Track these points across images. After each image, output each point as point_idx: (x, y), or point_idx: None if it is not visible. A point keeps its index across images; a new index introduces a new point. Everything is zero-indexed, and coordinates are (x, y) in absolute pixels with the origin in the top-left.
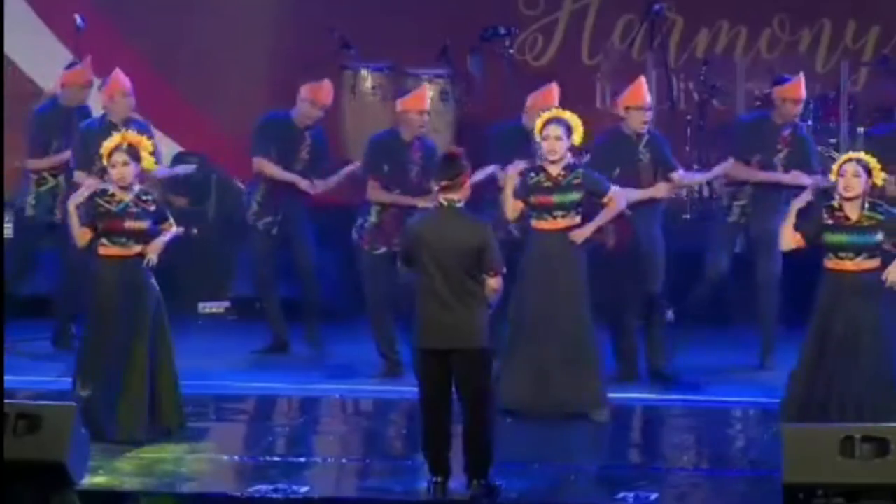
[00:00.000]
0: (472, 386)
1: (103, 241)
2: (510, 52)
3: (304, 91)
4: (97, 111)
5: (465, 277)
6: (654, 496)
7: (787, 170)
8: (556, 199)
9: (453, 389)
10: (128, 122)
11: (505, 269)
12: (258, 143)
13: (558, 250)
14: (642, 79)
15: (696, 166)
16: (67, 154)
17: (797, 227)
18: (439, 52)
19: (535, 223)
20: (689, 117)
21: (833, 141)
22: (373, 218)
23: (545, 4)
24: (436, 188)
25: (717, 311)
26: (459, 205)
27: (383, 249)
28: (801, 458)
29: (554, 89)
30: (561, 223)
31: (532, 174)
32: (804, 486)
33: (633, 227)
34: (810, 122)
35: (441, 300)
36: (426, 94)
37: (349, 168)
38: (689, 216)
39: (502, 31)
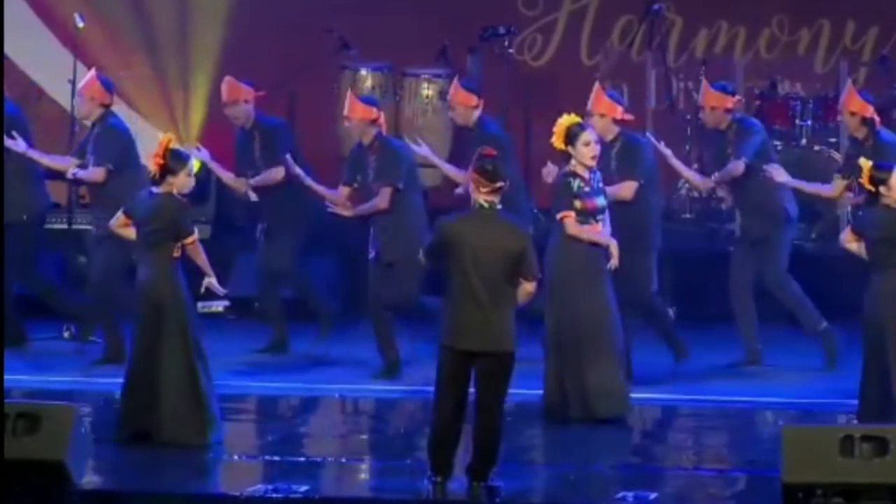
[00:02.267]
0: (495, 388)
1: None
2: (509, 52)
3: None
4: None
5: (503, 281)
6: (653, 496)
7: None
8: (599, 202)
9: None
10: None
11: (541, 275)
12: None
13: (594, 255)
14: (597, 86)
15: (695, 166)
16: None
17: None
18: (438, 52)
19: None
20: (688, 117)
21: (832, 140)
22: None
23: (544, 4)
24: (484, 190)
25: (718, 310)
26: (499, 207)
27: (372, 253)
28: (801, 458)
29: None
30: (600, 226)
31: (569, 180)
32: (803, 485)
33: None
34: (809, 123)
35: (478, 302)
36: (350, 102)
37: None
38: (689, 216)
39: (501, 31)
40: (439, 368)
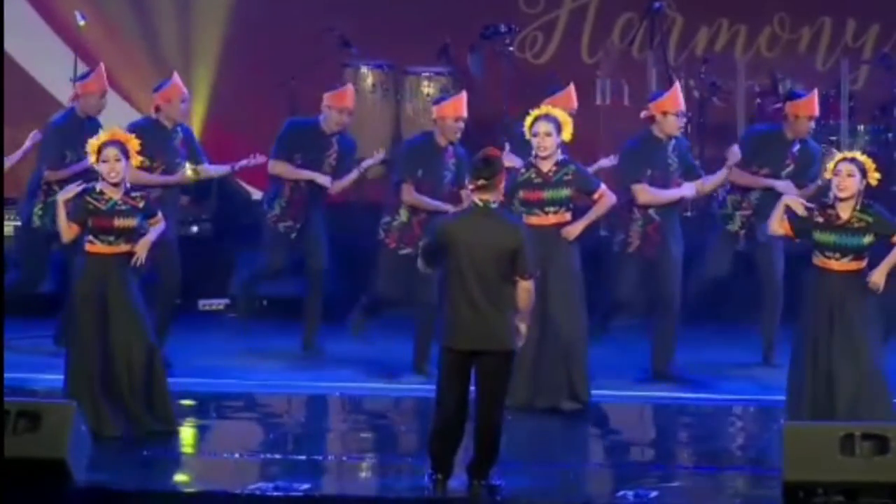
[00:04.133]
0: (494, 387)
1: (90, 237)
2: (510, 50)
3: (327, 99)
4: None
5: (499, 279)
6: (653, 494)
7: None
8: (547, 194)
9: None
10: (176, 127)
11: (538, 272)
12: (281, 147)
13: (549, 246)
14: (678, 85)
15: (697, 162)
16: (84, 164)
17: (789, 217)
18: (440, 50)
19: (525, 219)
20: (689, 115)
21: (833, 139)
22: (402, 218)
23: (545, 3)
24: (470, 187)
25: (718, 308)
26: (494, 205)
27: (408, 250)
28: (802, 456)
29: (572, 92)
30: (552, 219)
31: (522, 170)
32: (804, 484)
33: (663, 233)
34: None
35: (474, 301)
36: (464, 101)
37: (366, 163)
38: (689, 214)
39: (503, 29)
40: (440, 368)
